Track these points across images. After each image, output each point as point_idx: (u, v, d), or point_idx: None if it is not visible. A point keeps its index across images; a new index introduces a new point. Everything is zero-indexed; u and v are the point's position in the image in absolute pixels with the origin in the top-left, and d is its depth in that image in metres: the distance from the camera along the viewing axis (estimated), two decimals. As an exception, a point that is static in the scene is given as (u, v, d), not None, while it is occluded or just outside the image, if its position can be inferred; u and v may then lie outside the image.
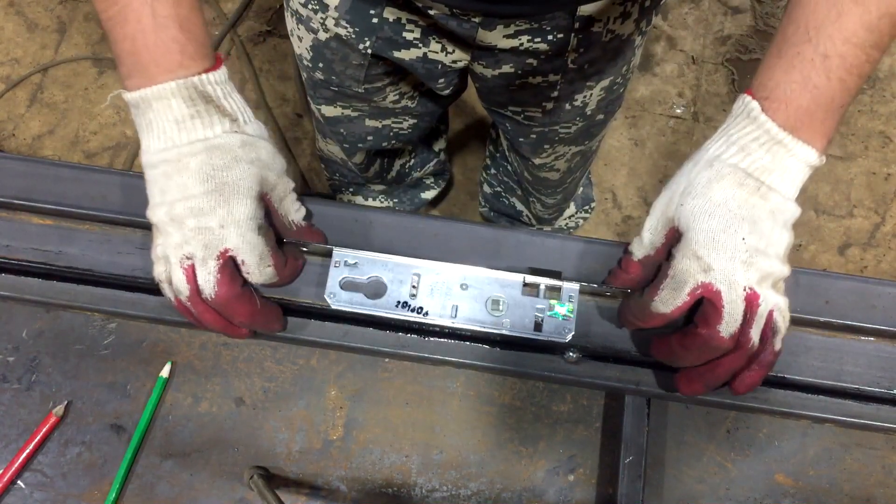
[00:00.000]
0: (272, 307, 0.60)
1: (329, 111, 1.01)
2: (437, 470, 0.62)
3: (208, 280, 0.52)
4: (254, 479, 0.59)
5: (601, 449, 0.63)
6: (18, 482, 0.61)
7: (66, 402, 0.63)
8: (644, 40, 0.89)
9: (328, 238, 0.63)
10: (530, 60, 0.81)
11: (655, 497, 0.61)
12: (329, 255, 0.61)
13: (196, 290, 0.53)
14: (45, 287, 0.64)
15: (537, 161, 1.11)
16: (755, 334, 0.51)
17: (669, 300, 0.52)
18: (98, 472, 0.62)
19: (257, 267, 0.54)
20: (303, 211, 0.60)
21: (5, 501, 0.61)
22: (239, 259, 0.54)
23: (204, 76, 0.53)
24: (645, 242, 0.55)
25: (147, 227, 0.64)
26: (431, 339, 0.62)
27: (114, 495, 0.60)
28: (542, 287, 0.60)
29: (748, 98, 0.52)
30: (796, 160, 0.51)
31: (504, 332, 0.59)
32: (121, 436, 0.63)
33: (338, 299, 0.60)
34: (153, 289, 0.63)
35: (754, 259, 0.50)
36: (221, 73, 0.54)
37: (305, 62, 0.91)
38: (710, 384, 0.54)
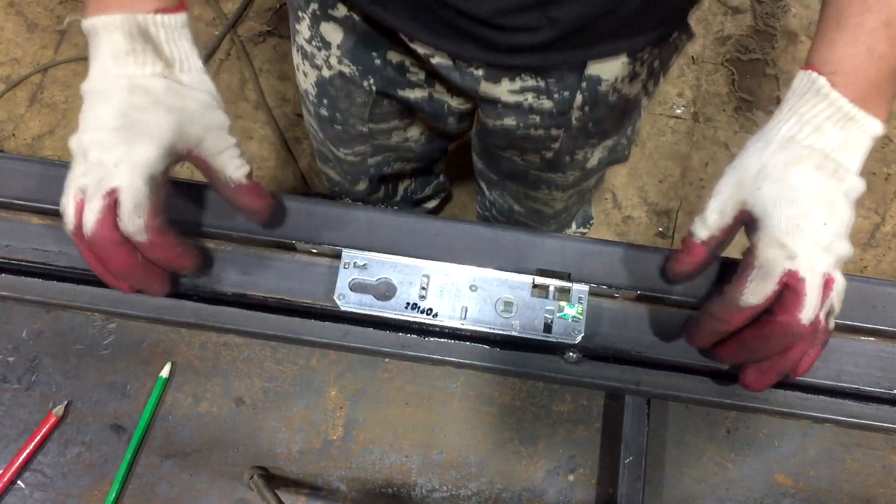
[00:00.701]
0: (155, 269, 0.55)
1: (330, 134, 1.00)
2: (437, 470, 0.62)
3: (89, 217, 0.51)
4: (254, 479, 0.59)
5: (601, 449, 0.63)
6: (18, 482, 0.61)
7: (66, 402, 0.63)
8: (650, 103, 0.88)
9: (335, 239, 0.63)
10: (534, 117, 0.80)
11: (655, 497, 0.61)
12: (338, 256, 0.61)
13: (79, 224, 0.51)
14: (45, 287, 0.64)
15: (532, 194, 1.09)
16: (823, 316, 0.51)
17: (759, 290, 0.50)
18: (98, 473, 0.62)
19: (129, 213, 0.51)
20: (245, 168, 0.56)
21: (5, 501, 0.61)
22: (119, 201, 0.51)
23: (150, 16, 0.52)
24: (710, 223, 0.54)
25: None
26: (432, 339, 0.62)
27: (114, 495, 0.60)
28: (552, 288, 0.60)
29: (814, 74, 0.51)
30: (866, 135, 0.51)
31: (514, 333, 0.59)
32: (121, 436, 0.63)
33: (347, 301, 0.60)
34: (153, 289, 0.63)
35: (834, 244, 0.50)
36: (174, 18, 0.53)
37: (311, 98, 0.90)
38: (782, 372, 0.53)
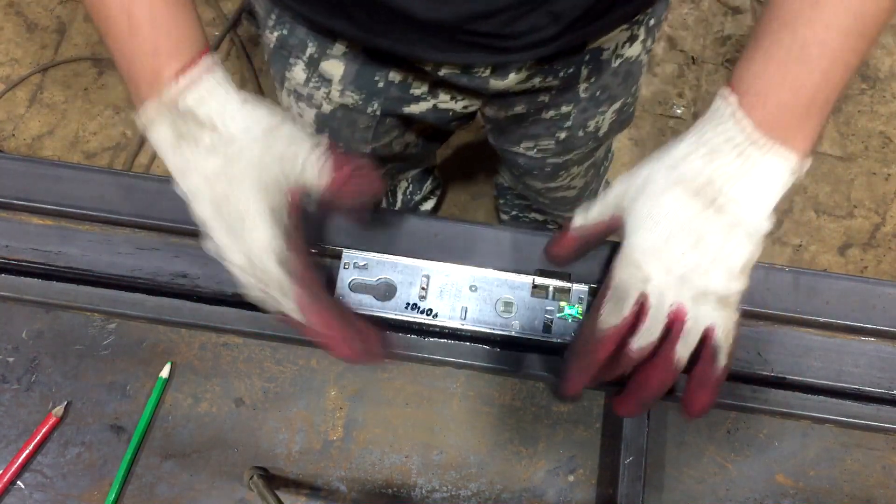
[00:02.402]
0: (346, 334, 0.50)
1: None
2: (437, 470, 0.62)
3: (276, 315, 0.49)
4: (254, 479, 0.59)
5: (601, 449, 0.63)
6: (18, 482, 0.61)
7: (65, 403, 0.63)
8: (649, 57, 0.88)
9: (335, 239, 0.63)
10: (542, 98, 0.80)
11: (655, 497, 0.61)
12: (338, 256, 0.61)
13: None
14: (45, 287, 0.64)
15: (553, 185, 1.10)
16: (681, 350, 0.48)
17: (615, 311, 0.48)
18: (98, 473, 0.62)
19: (279, 303, 0.49)
20: (323, 160, 0.50)
21: (5, 502, 0.61)
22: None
23: (174, 86, 0.47)
24: (588, 215, 0.52)
25: (146, 227, 0.64)
26: (432, 339, 0.62)
27: (113, 496, 0.60)
28: (552, 289, 0.60)
29: (727, 92, 0.48)
30: (772, 165, 0.46)
31: (514, 333, 0.59)
32: (120, 436, 0.63)
33: (347, 301, 0.60)
34: (153, 289, 0.63)
35: (691, 276, 0.47)
36: (193, 74, 0.48)
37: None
38: (642, 401, 0.51)
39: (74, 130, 1.79)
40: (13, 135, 1.80)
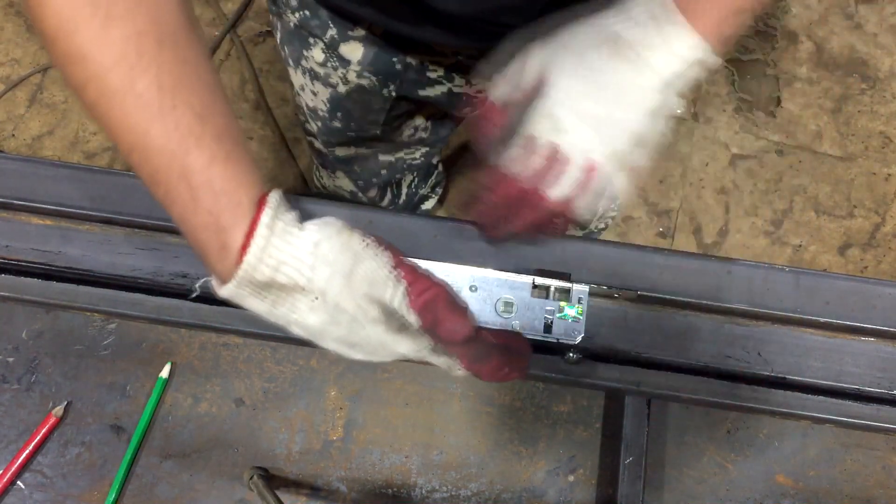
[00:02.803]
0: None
1: (342, 151, 0.99)
2: (437, 470, 0.62)
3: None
4: (254, 479, 0.59)
5: (601, 449, 0.63)
6: (18, 483, 0.61)
7: (65, 403, 0.63)
8: None
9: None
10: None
11: (655, 498, 0.61)
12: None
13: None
14: (45, 287, 0.64)
15: None
16: (583, 203, 0.50)
17: (526, 160, 0.49)
18: (98, 473, 0.62)
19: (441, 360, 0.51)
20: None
21: (5, 502, 0.61)
22: None
23: (245, 264, 0.46)
24: (516, 82, 0.52)
25: (146, 227, 0.64)
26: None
27: (113, 496, 0.60)
28: (552, 289, 0.60)
29: None
30: (685, 43, 0.48)
31: None
32: (120, 436, 0.63)
33: None
34: (153, 289, 0.63)
35: (606, 130, 0.48)
36: (258, 238, 0.46)
37: (321, 113, 0.89)
38: (511, 231, 0.53)
39: (74, 130, 1.79)
40: (13, 135, 1.80)
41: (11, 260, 0.64)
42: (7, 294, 0.64)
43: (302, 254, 0.47)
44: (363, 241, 0.48)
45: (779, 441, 0.63)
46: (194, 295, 0.59)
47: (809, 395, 0.61)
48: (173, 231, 0.64)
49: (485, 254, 0.62)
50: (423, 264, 0.60)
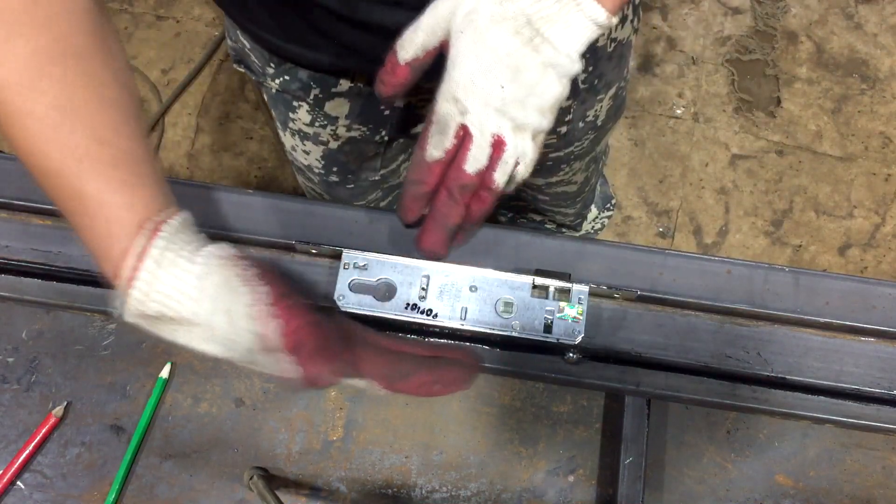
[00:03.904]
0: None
1: (340, 194, 0.99)
2: (437, 471, 0.62)
3: None
4: (253, 479, 0.59)
5: (601, 449, 0.63)
6: (18, 483, 0.61)
7: (65, 403, 0.63)
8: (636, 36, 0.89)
9: (335, 240, 0.62)
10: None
11: (655, 498, 0.61)
12: (338, 257, 0.61)
13: None
14: (45, 287, 0.64)
15: (554, 179, 1.10)
16: (499, 177, 0.51)
17: (439, 144, 0.51)
18: (98, 473, 0.62)
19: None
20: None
21: (5, 502, 0.61)
22: None
23: (132, 299, 0.46)
24: (417, 41, 0.52)
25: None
26: (432, 339, 0.62)
27: (113, 496, 0.60)
28: (552, 289, 0.60)
29: None
30: (583, 15, 0.49)
31: (514, 334, 0.59)
32: (120, 436, 0.63)
33: (347, 301, 0.60)
34: (153, 289, 0.63)
35: (508, 107, 0.49)
36: (146, 272, 0.46)
37: (316, 171, 0.88)
38: (448, 226, 0.53)
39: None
40: (13, 135, 1.80)
41: (11, 260, 0.64)
42: (7, 294, 0.64)
43: (187, 288, 0.47)
44: (243, 275, 0.48)
45: (779, 441, 0.63)
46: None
47: (809, 396, 0.61)
48: (173, 231, 0.64)
49: (485, 254, 0.62)
50: (426, 265, 0.61)
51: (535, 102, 0.50)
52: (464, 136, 0.50)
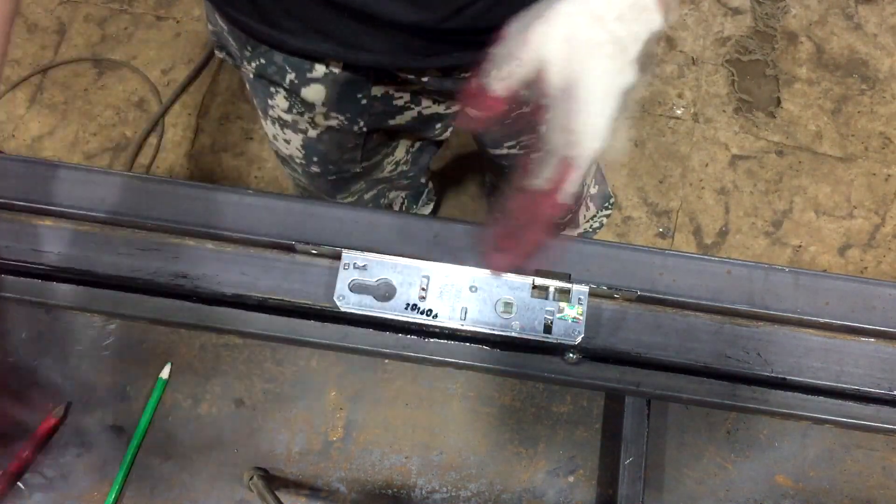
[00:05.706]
0: None
1: (327, 194, 0.99)
2: (437, 471, 0.62)
3: None
4: (253, 480, 0.59)
5: (601, 450, 0.63)
6: (18, 483, 0.61)
7: (65, 403, 0.63)
8: None
9: (335, 240, 0.62)
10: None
11: (655, 498, 0.61)
12: (338, 257, 0.61)
13: None
14: (45, 288, 0.64)
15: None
16: (570, 189, 0.51)
17: (547, 174, 0.51)
18: (98, 474, 0.62)
19: None
20: None
21: (5, 502, 0.61)
22: None
23: None
24: (516, 75, 0.51)
25: (146, 227, 0.64)
26: (431, 340, 0.62)
27: (113, 496, 0.60)
28: (552, 289, 0.60)
29: None
30: (647, 29, 0.50)
31: (514, 334, 0.59)
32: (120, 437, 0.63)
33: (347, 302, 0.60)
34: (153, 289, 0.63)
35: (604, 135, 0.50)
36: None
37: (298, 161, 0.89)
38: (526, 240, 0.53)
39: (74, 131, 1.79)
40: (13, 135, 1.80)
41: (11, 260, 0.64)
42: (7, 294, 0.64)
43: None
44: None
45: (779, 441, 0.63)
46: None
47: (809, 396, 0.61)
48: (173, 231, 0.64)
49: (485, 254, 0.62)
50: (426, 265, 0.61)
51: (610, 126, 0.50)
52: (565, 165, 0.50)
